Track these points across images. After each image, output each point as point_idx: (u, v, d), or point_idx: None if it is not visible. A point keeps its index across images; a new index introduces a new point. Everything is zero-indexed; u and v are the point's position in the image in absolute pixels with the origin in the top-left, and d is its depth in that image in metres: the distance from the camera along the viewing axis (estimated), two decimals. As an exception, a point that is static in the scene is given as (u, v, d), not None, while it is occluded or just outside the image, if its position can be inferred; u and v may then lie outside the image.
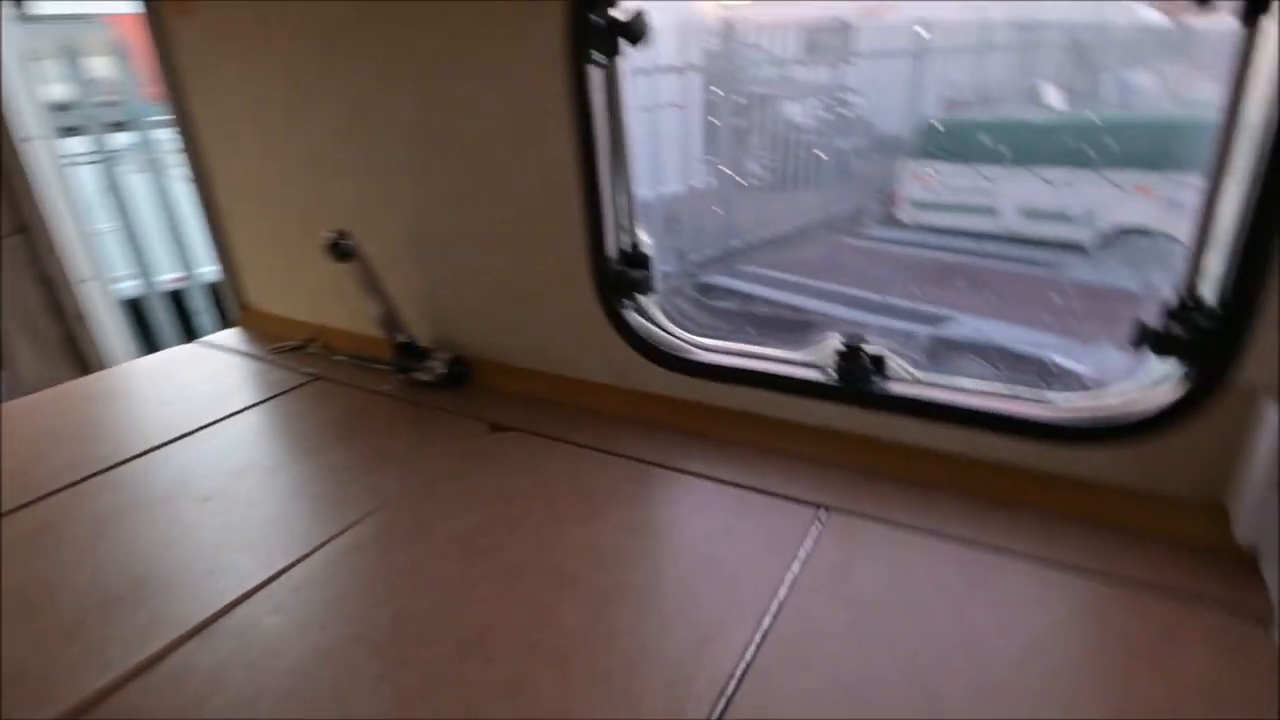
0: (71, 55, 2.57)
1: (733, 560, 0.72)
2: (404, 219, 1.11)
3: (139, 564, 0.74)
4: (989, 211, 4.07)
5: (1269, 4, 0.58)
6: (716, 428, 0.95)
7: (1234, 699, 0.55)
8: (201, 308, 3.00)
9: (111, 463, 0.94)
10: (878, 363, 0.87)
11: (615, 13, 0.84)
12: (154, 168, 2.87)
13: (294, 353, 1.29)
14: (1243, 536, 0.67)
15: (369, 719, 0.57)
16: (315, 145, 1.16)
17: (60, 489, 0.89)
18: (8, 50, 1.72)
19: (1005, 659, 0.59)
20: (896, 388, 0.85)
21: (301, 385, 1.16)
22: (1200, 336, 0.68)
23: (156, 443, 0.98)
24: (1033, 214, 3.78)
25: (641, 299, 1.00)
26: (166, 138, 2.97)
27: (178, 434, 1.01)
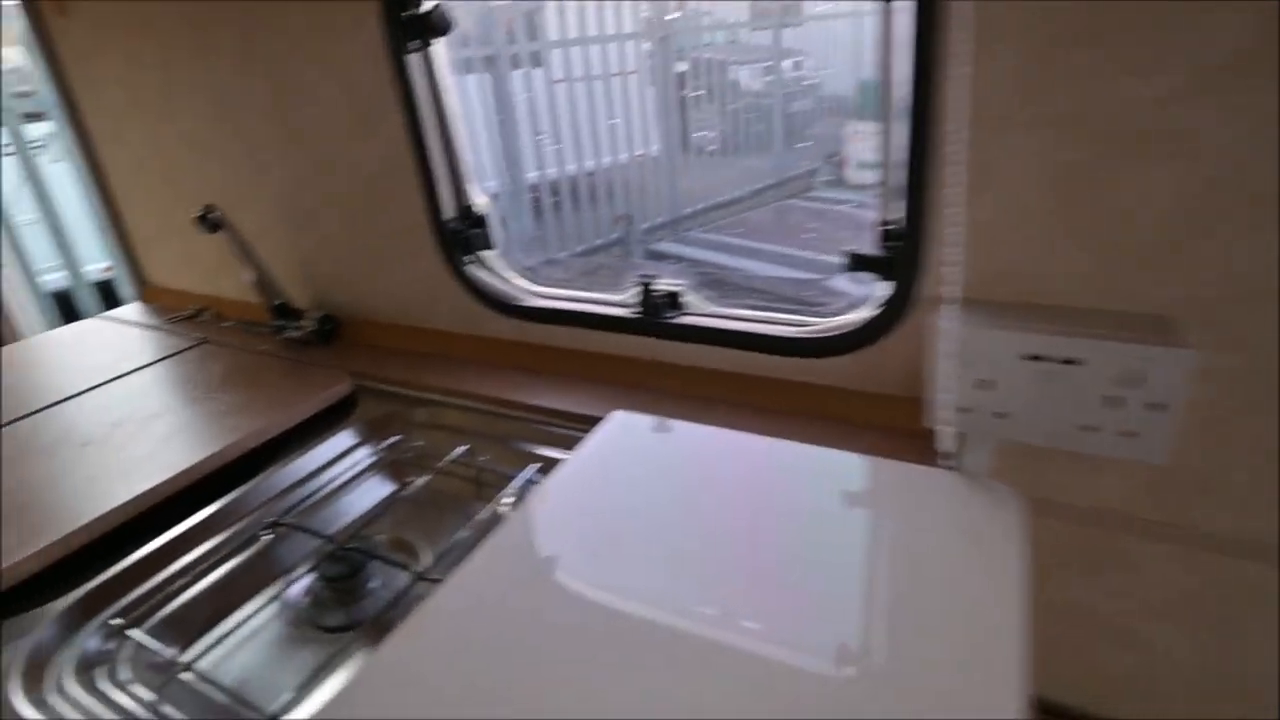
0: (-19, 47, 2.58)
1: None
2: (272, 193, 1.23)
3: (24, 494, 0.87)
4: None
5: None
6: (548, 364, 1.08)
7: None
8: (131, 295, 3.04)
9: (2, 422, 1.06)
10: (672, 298, 1.01)
11: (420, 9, 0.96)
12: (72, 156, 2.90)
13: (187, 321, 1.40)
14: (931, 422, 0.82)
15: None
16: (190, 129, 1.26)
17: (-42, 445, 1.00)
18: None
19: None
20: (685, 319, 0.99)
21: (189, 348, 1.27)
22: (895, 258, 0.83)
23: (45, 404, 1.10)
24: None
25: (483, 254, 1.13)
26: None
27: (66, 395, 1.12)
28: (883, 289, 0.89)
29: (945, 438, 0.75)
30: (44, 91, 2.97)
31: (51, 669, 0.68)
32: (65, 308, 2.84)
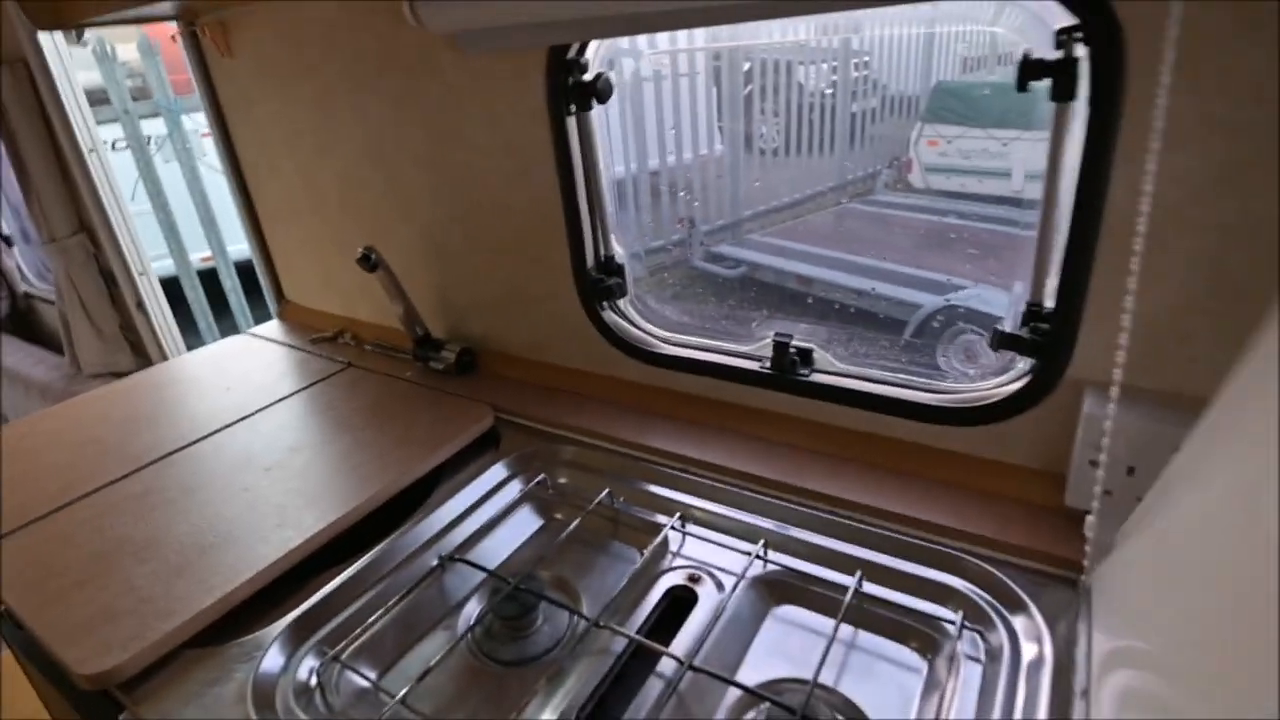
0: (101, 42, 2.77)
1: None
2: (419, 231, 1.31)
3: (224, 521, 0.97)
4: (1003, 175, 4.11)
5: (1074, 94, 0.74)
6: (677, 409, 1.15)
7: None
8: (232, 286, 3.23)
9: (190, 440, 1.17)
10: (804, 355, 1.06)
11: (584, 77, 1.02)
12: (183, 157, 3.08)
13: (328, 343, 1.51)
14: (1071, 501, 0.86)
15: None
16: (343, 169, 1.36)
17: (154, 461, 1.12)
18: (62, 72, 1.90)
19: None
20: (818, 377, 1.04)
21: (337, 372, 1.37)
22: (1042, 338, 0.86)
23: (224, 423, 1.21)
24: (1036, 177, 3.79)
25: (616, 302, 1.20)
26: (193, 127, 3.16)
27: (240, 416, 1.23)
28: (1021, 364, 0.93)
29: (1089, 526, 0.78)
30: (159, 93, 3.12)
31: (278, 695, 0.77)
32: (173, 293, 3.04)
